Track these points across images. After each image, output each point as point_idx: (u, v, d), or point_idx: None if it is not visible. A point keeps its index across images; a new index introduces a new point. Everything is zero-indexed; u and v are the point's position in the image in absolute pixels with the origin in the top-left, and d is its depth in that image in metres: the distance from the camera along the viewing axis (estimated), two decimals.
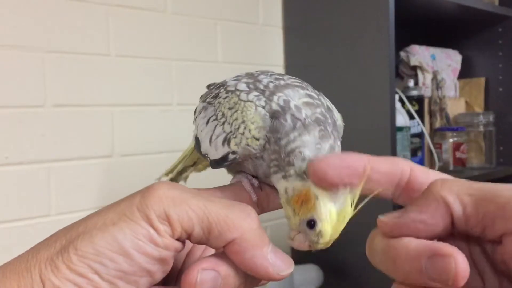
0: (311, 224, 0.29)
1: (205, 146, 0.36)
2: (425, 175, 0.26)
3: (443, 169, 1.37)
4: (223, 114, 0.34)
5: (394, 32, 1.03)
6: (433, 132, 1.43)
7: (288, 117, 0.31)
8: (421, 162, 1.30)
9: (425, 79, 1.41)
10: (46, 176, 0.88)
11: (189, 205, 0.25)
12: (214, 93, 0.37)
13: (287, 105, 0.31)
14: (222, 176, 0.40)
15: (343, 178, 0.26)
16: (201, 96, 0.39)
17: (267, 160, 0.32)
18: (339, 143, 0.32)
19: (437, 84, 1.41)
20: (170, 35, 1.04)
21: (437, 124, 1.42)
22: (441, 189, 0.24)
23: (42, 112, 0.87)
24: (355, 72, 1.09)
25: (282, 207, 0.32)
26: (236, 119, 0.33)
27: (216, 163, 0.35)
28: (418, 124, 1.28)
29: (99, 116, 0.94)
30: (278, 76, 0.35)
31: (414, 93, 1.31)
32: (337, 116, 0.35)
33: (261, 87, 0.33)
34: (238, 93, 0.34)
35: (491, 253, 0.24)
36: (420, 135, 1.30)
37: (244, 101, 0.33)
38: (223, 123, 0.34)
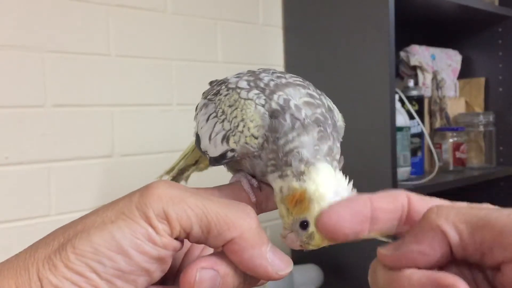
0: (304, 225, 0.29)
1: (204, 143, 0.35)
2: (422, 203, 0.26)
3: (443, 169, 1.37)
4: (223, 112, 0.34)
5: (394, 32, 1.03)
6: (433, 132, 1.43)
7: (288, 117, 0.31)
8: (421, 162, 1.30)
9: (425, 79, 1.41)
10: (46, 176, 0.88)
11: (188, 204, 0.25)
12: (216, 90, 0.37)
13: (287, 104, 0.31)
14: (223, 176, 0.40)
15: (355, 228, 0.26)
16: (203, 93, 0.39)
17: (265, 159, 0.31)
18: (338, 144, 0.32)
19: (437, 84, 1.41)
20: (170, 35, 1.04)
21: (437, 124, 1.42)
22: (436, 217, 0.23)
23: (42, 112, 0.87)
24: (355, 72, 1.09)
25: None
26: (235, 117, 0.32)
27: (215, 161, 0.35)
28: (418, 124, 1.28)
29: (99, 116, 0.94)
30: (279, 75, 0.34)
31: (414, 93, 1.30)
32: (338, 116, 0.35)
33: (262, 85, 0.33)
34: (238, 90, 0.33)
35: (492, 280, 0.24)
36: (420, 135, 1.30)
37: (244, 99, 0.32)
38: (223, 121, 0.33)
